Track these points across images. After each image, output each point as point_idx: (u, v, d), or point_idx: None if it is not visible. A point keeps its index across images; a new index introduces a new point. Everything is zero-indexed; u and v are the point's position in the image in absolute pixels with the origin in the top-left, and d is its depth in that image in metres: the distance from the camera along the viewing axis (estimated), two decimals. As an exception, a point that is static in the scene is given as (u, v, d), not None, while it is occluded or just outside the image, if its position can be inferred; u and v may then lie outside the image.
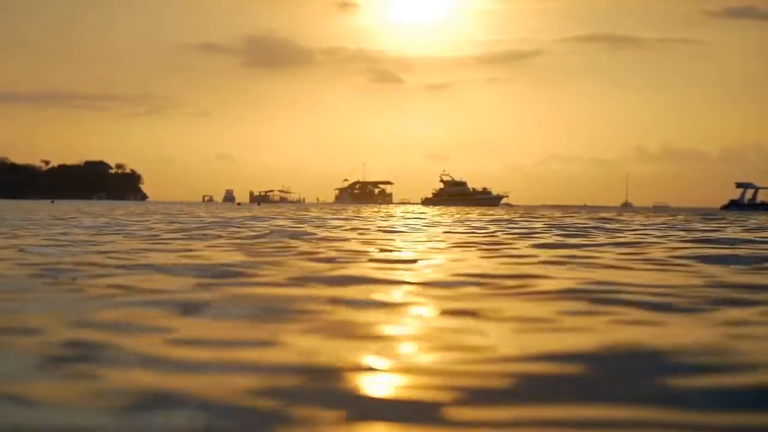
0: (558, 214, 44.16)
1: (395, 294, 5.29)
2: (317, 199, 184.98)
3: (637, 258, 9.04)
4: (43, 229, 15.05)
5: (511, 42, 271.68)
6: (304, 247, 10.35)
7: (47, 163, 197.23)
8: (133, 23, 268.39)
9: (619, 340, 3.53)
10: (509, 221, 25.24)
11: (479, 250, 10.29)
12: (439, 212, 45.32)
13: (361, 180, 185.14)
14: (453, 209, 70.13)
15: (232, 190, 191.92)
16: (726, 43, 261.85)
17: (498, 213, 46.60)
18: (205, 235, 13.70)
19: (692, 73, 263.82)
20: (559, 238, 13.65)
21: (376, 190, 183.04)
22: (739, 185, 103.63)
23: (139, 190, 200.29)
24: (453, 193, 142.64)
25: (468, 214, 40.57)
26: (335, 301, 4.77)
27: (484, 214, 39.18)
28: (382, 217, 31.46)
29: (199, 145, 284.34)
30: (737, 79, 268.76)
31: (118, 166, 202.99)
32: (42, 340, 3.42)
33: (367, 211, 50.06)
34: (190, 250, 9.53)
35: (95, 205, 69.62)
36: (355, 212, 42.10)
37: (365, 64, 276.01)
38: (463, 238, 13.72)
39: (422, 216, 34.42)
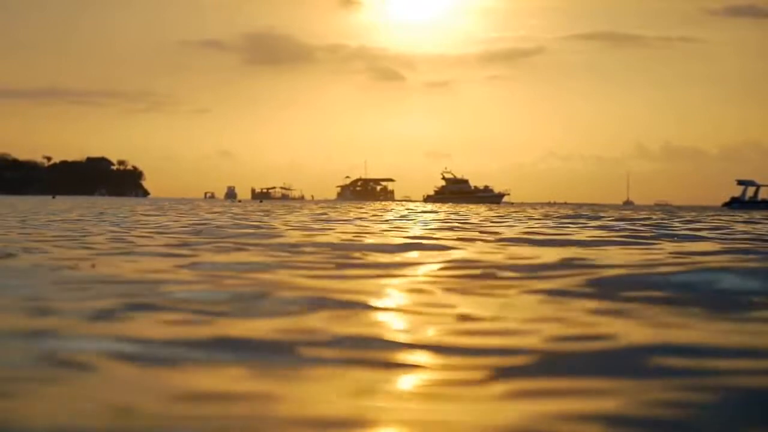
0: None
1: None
2: (312, 196, 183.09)
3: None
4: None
5: (511, 40, 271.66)
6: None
7: (49, 159, 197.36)
8: (134, 20, 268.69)
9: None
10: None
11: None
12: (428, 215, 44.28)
13: (363, 177, 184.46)
14: (450, 206, 69.21)
15: (233, 187, 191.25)
16: (726, 42, 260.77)
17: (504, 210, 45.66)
18: None
19: (692, 71, 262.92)
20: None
21: (378, 188, 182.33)
22: (740, 182, 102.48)
23: (141, 186, 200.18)
24: (455, 191, 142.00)
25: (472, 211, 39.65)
26: None
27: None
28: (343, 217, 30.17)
29: (199, 143, 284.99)
30: (737, 78, 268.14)
31: (120, 163, 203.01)
32: None
33: (354, 210, 49.10)
34: None
35: (79, 200, 68.81)
36: (338, 212, 41.17)
37: (366, 62, 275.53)
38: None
39: (391, 221, 33.04)
